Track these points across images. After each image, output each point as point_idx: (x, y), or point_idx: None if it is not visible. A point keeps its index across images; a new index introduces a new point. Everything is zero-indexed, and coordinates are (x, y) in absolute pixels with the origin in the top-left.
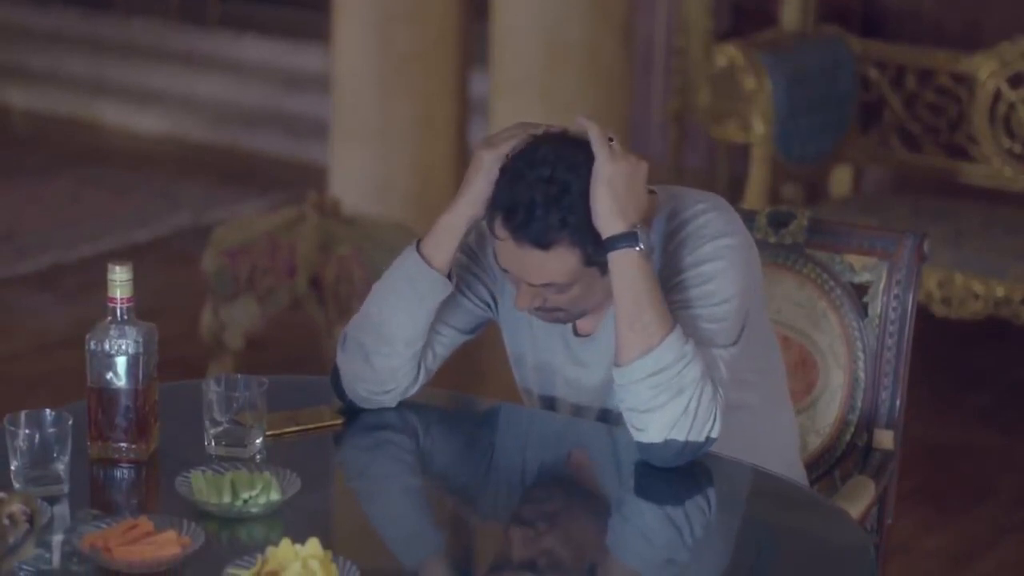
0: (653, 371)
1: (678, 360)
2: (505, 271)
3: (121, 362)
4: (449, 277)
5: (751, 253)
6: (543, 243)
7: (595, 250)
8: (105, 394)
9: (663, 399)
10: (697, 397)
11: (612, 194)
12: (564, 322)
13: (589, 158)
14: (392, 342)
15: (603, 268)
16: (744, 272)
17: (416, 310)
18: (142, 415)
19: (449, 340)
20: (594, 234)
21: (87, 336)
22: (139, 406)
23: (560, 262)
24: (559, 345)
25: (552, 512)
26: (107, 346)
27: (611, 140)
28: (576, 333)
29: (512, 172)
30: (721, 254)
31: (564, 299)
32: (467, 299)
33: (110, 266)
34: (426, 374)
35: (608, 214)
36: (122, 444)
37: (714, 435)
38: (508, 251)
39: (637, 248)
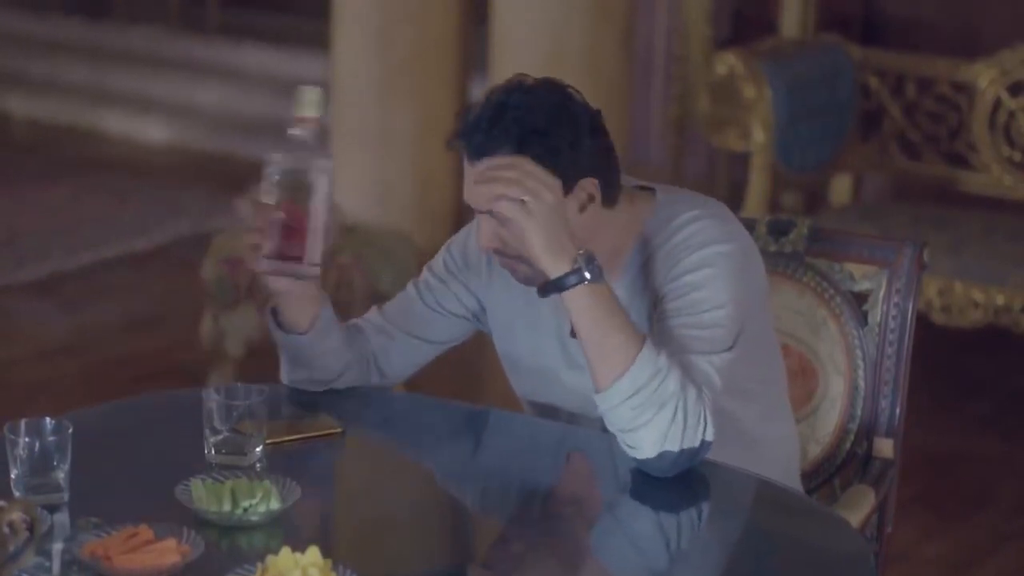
0: (631, 392)
1: (654, 376)
2: (473, 210)
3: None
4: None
5: (747, 260)
6: (487, 153)
7: (548, 165)
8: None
9: (647, 416)
10: (682, 406)
11: (541, 237)
12: (531, 283)
13: (537, 85)
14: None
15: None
16: (738, 279)
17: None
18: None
19: (409, 349)
20: (545, 148)
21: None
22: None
23: None
24: (555, 348)
25: (549, 520)
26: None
27: (524, 201)
28: (573, 335)
29: (470, 104)
30: (710, 262)
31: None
32: (433, 311)
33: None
34: (380, 376)
35: (546, 256)
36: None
37: (709, 438)
38: (466, 174)
39: (585, 280)
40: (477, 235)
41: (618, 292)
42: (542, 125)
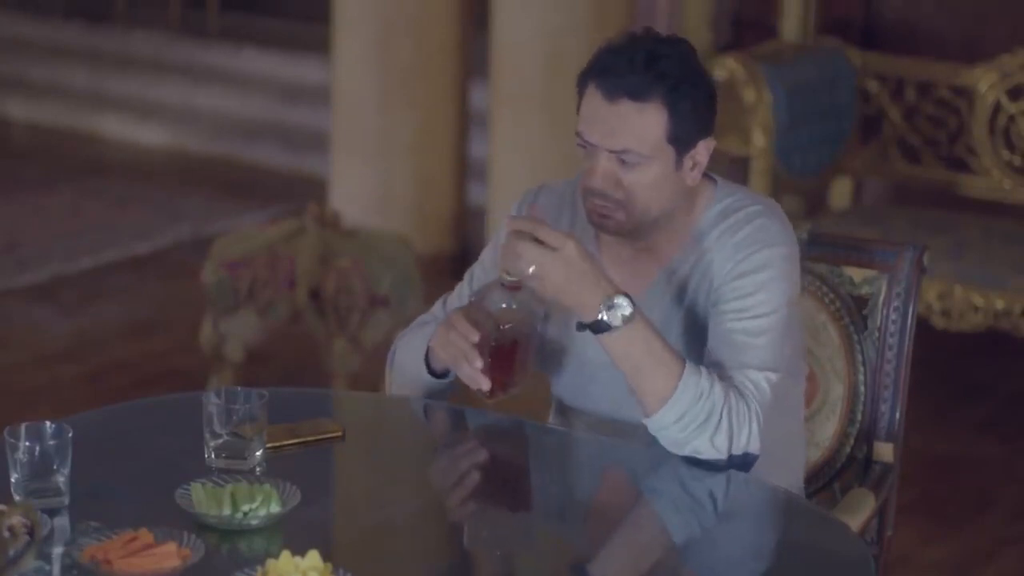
0: (678, 417)
1: (697, 399)
2: (585, 144)
3: None
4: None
5: (797, 263)
6: (638, 95)
7: (682, 128)
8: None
9: (694, 431)
10: (726, 414)
11: (566, 294)
12: (616, 231)
13: (676, 38)
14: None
15: (680, 155)
16: (791, 282)
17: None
18: None
19: None
20: (684, 107)
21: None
22: None
23: (648, 122)
24: None
25: (548, 521)
26: None
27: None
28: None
29: (612, 45)
30: (771, 263)
31: (635, 182)
32: None
33: None
34: None
35: (577, 308)
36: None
37: (753, 450)
38: (597, 111)
39: (616, 326)
40: (588, 175)
41: (674, 268)
42: (691, 77)
